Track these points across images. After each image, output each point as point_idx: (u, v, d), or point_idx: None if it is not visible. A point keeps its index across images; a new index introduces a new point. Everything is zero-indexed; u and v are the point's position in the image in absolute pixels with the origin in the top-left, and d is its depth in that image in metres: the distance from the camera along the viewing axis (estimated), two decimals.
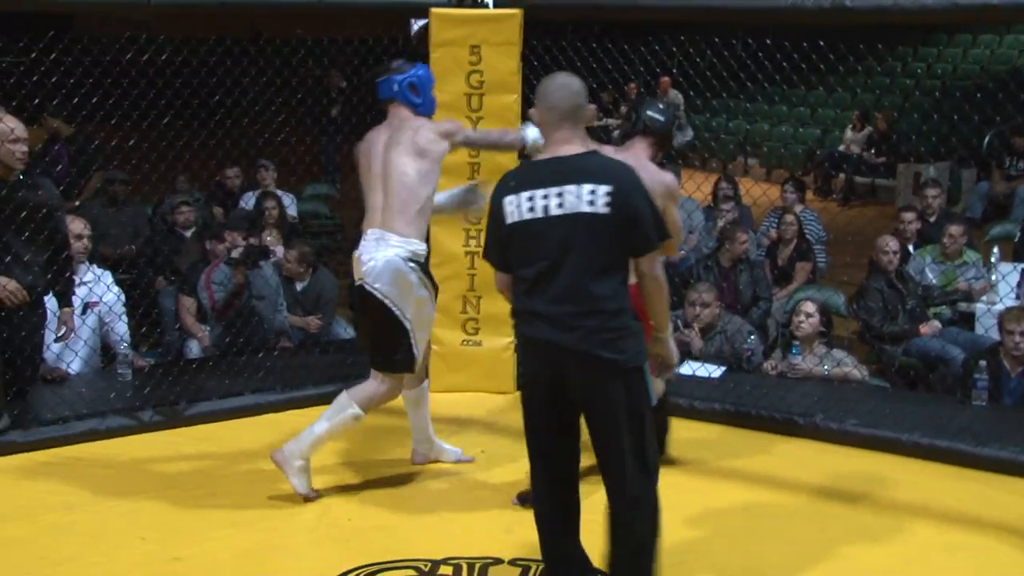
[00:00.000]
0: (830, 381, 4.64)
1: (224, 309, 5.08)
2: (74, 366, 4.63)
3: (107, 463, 3.90)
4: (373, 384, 3.56)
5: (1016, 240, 6.46)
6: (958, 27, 11.65)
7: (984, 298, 5.34)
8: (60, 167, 6.21)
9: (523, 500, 3.43)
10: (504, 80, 4.54)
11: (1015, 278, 5.39)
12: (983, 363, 4.43)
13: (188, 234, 5.95)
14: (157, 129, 5.14)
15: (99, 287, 4.75)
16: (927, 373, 5.05)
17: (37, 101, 4.93)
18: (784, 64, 4.79)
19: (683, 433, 3.93)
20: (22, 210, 4.01)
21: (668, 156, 3.70)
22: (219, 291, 5.10)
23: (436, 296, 3.62)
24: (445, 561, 3.09)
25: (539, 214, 2.55)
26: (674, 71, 7.30)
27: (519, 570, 3.04)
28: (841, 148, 10.27)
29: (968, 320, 5.37)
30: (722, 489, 3.67)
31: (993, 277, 5.39)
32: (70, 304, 4.33)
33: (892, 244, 5.32)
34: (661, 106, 3.56)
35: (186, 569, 3.10)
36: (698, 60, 5.29)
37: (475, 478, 3.77)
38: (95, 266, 4.91)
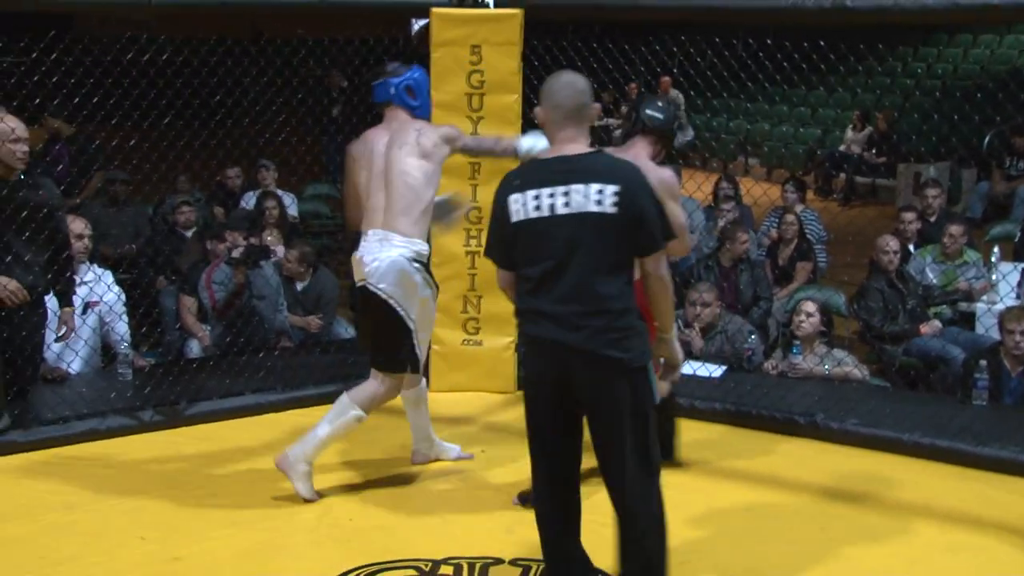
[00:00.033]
0: (831, 381, 4.64)
1: (225, 309, 5.08)
2: (75, 366, 4.63)
3: (107, 463, 3.90)
4: (373, 384, 3.56)
5: (1016, 240, 6.46)
6: (958, 27, 11.65)
7: (984, 298, 5.34)
8: (61, 167, 6.21)
9: (524, 500, 3.43)
10: (505, 80, 4.54)
11: (1015, 278, 5.39)
12: (983, 363, 4.43)
13: (189, 234, 5.95)
14: (158, 129, 5.14)
15: (100, 287, 4.75)
16: (928, 373, 5.05)
17: (38, 101, 4.93)
18: (785, 64, 4.79)
19: (684, 433, 3.92)
20: (23, 210, 4.01)
21: (668, 155, 3.68)
22: (220, 291, 5.10)
23: (437, 296, 3.62)
24: (446, 561, 3.09)
25: (545, 213, 2.54)
26: (675, 71, 7.30)
27: (520, 570, 3.04)
28: (842, 148, 10.28)
29: (968, 320, 5.37)
30: (723, 489, 3.67)
31: (993, 277, 5.40)
32: (71, 304, 4.33)
33: (892, 244, 5.32)
34: (660, 104, 3.53)
35: (186, 569, 3.10)
36: (699, 60, 5.29)
37: (476, 478, 3.77)
38: (95, 266, 4.91)
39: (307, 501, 3.49)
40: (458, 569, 3.05)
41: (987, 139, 8.96)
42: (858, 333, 5.39)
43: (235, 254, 5.18)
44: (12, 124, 4.00)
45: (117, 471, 3.84)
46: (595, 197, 2.51)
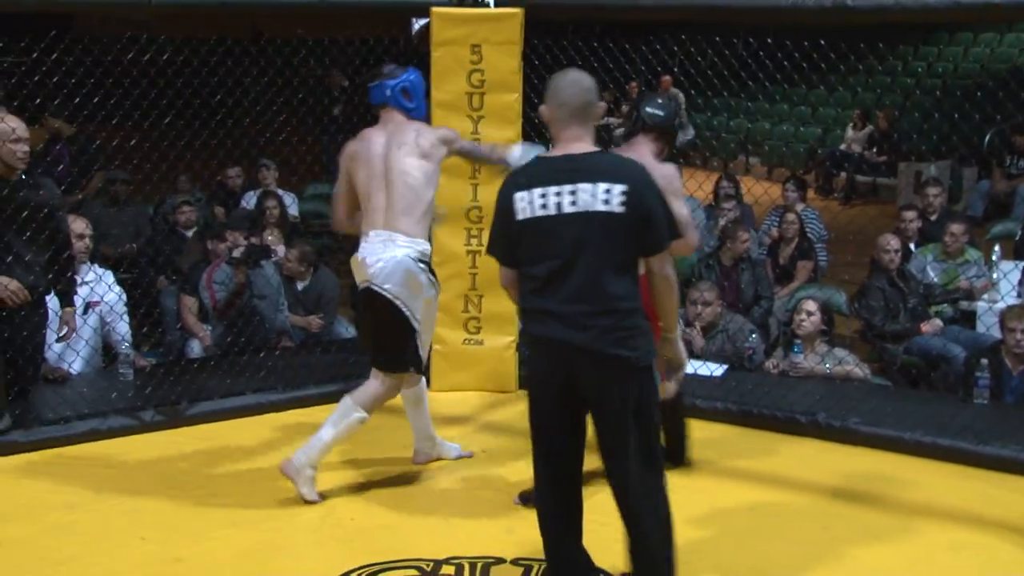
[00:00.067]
0: (832, 380, 4.64)
1: (225, 309, 5.08)
2: (75, 366, 4.63)
3: (108, 463, 3.90)
4: (375, 385, 3.56)
5: (1017, 238, 6.45)
6: (959, 26, 11.64)
7: (985, 296, 5.34)
8: (61, 167, 6.21)
9: (524, 499, 3.43)
10: (505, 79, 4.54)
11: (1016, 276, 5.39)
12: (985, 361, 4.43)
13: (190, 234, 5.95)
14: (158, 129, 5.14)
15: (100, 287, 4.75)
16: (929, 371, 5.05)
17: (38, 101, 4.93)
18: (785, 63, 4.79)
19: None
20: (23, 210, 4.01)
21: (670, 154, 3.67)
22: (220, 291, 5.10)
23: (438, 296, 3.63)
24: (447, 561, 3.09)
25: (552, 211, 2.54)
26: (675, 70, 7.29)
27: (521, 570, 3.04)
28: (842, 147, 10.27)
29: (969, 318, 5.36)
30: (725, 488, 3.67)
31: (994, 275, 5.39)
32: (72, 304, 4.33)
33: (893, 243, 5.32)
34: (660, 101, 3.52)
35: (187, 569, 3.10)
36: (699, 59, 5.29)
37: (477, 478, 3.77)
38: (96, 266, 4.91)
39: (311, 504, 3.49)
40: (459, 569, 3.05)
41: (988, 137, 8.95)
42: (859, 332, 5.39)
43: (236, 254, 5.18)
44: (13, 124, 4.00)
45: (118, 471, 3.84)
46: (603, 196, 2.50)
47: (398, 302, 3.45)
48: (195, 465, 3.90)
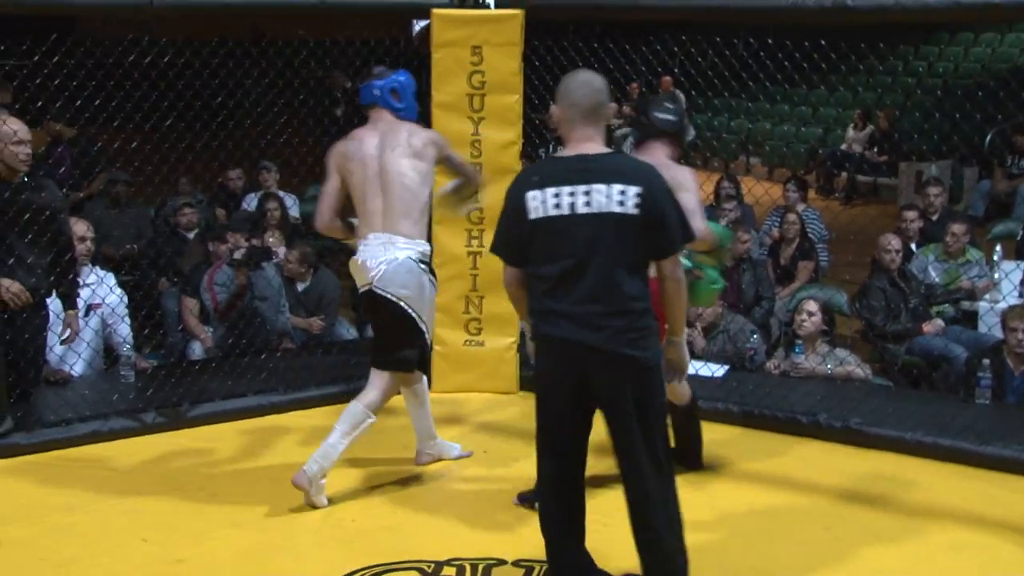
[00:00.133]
0: (833, 380, 4.64)
1: (227, 310, 5.08)
2: (77, 368, 4.64)
3: (110, 465, 3.91)
4: (380, 386, 3.56)
5: (1019, 238, 6.45)
6: (960, 26, 11.63)
7: (987, 296, 5.33)
8: (63, 169, 6.22)
9: (524, 500, 3.44)
10: (506, 80, 4.54)
11: (1018, 276, 5.39)
12: (986, 361, 4.42)
13: (191, 235, 5.96)
14: (160, 131, 5.14)
15: (102, 289, 4.76)
16: (930, 372, 5.04)
17: (40, 104, 4.93)
18: (786, 63, 4.79)
19: None
20: (25, 212, 4.02)
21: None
22: (222, 292, 5.10)
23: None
24: (449, 562, 3.09)
25: (565, 211, 2.54)
26: (675, 71, 7.29)
27: (522, 571, 3.04)
28: (843, 147, 10.27)
29: (971, 318, 5.36)
30: (727, 489, 3.67)
31: (996, 275, 5.39)
32: (75, 306, 4.34)
33: (894, 243, 5.32)
34: (668, 104, 3.55)
35: (188, 570, 3.10)
36: (699, 59, 5.29)
37: (478, 479, 3.77)
38: (98, 268, 4.91)
39: (312, 505, 3.49)
40: (461, 570, 3.05)
41: (989, 137, 8.95)
42: (860, 332, 5.38)
43: (237, 256, 5.18)
44: (15, 127, 4.01)
45: (119, 473, 3.84)
46: (617, 198, 2.51)
47: (403, 303, 3.45)
48: (196, 467, 3.90)
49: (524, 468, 3.50)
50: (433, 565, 3.07)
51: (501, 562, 3.09)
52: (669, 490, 2.61)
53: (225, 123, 5.27)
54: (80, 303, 4.51)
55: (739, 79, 8.41)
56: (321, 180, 3.69)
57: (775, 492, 3.66)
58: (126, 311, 4.91)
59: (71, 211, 5.02)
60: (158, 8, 4.23)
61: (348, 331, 5.49)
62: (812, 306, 4.79)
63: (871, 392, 4.56)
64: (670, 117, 3.48)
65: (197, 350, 5.11)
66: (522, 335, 4.24)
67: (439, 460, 3.89)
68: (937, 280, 5.52)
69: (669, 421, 2.86)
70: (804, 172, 9.65)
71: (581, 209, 2.53)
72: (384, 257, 3.43)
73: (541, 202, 2.56)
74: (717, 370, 4.70)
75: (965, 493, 3.63)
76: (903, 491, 3.65)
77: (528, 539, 3.09)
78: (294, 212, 6.64)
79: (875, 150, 9.93)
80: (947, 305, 5.42)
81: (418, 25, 4.63)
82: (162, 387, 4.41)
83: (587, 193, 2.53)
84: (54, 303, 4.31)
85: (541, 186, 2.57)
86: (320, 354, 5.01)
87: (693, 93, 10.15)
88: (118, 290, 4.91)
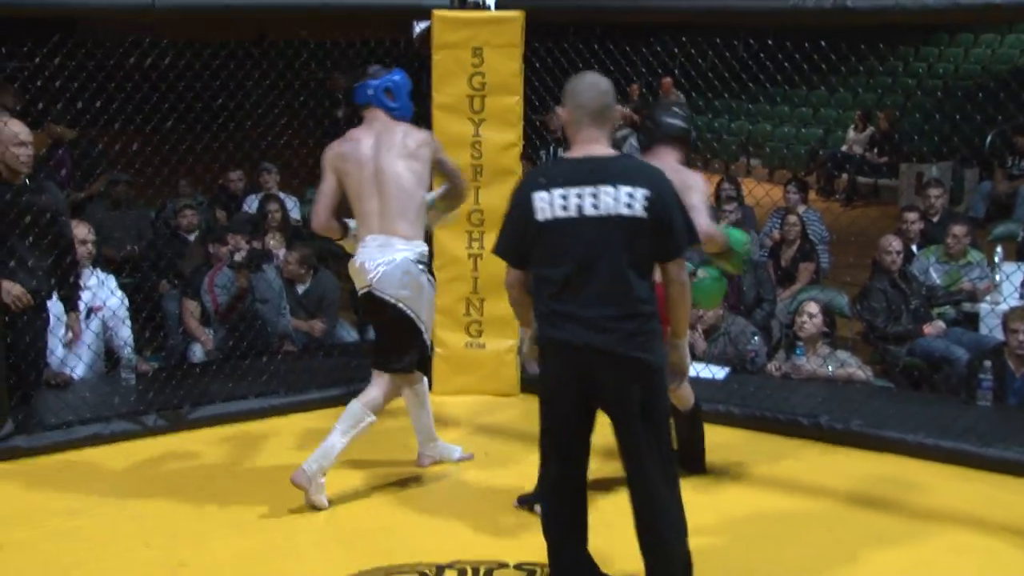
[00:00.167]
0: (834, 382, 4.63)
1: (227, 312, 5.08)
2: (78, 371, 4.64)
3: (111, 468, 3.90)
4: (381, 387, 3.57)
5: (1020, 239, 6.45)
6: (959, 27, 11.63)
7: (988, 298, 5.33)
8: (64, 172, 6.22)
9: (523, 502, 3.43)
10: (506, 82, 4.54)
11: (1019, 278, 5.38)
12: (987, 363, 4.42)
13: (191, 238, 5.96)
14: (160, 133, 5.14)
15: (103, 291, 4.75)
16: (931, 373, 5.04)
17: (41, 106, 4.93)
18: (786, 64, 4.79)
19: None
20: (27, 214, 4.02)
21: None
22: (222, 294, 5.10)
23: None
24: (450, 565, 3.09)
25: (572, 213, 2.54)
26: (676, 72, 7.28)
27: (524, 574, 3.04)
28: (843, 148, 10.26)
29: (972, 320, 5.36)
30: (729, 492, 3.67)
31: (997, 277, 5.39)
32: (76, 309, 4.34)
33: (895, 244, 5.32)
34: (676, 109, 3.59)
35: (190, 573, 3.10)
36: (700, 61, 5.28)
37: (480, 481, 3.77)
38: (99, 270, 4.91)
39: (315, 506, 3.49)
40: (462, 573, 3.05)
41: (989, 138, 8.94)
42: (861, 334, 5.38)
43: (238, 258, 5.18)
44: (16, 128, 4.01)
45: (120, 476, 3.84)
46: (625, 200, 2.51)
47: (402, 305, 3.46)
48: (197, 469, 3.90)
49: (525, 470, 3.50)
50: (434, 568, 3.07)
51: (503, 565, 3.09)
52: (674, 493, 2.61)
53: (226, 125, 5.27)
54: (81, 306, 4.51)
55: (739, 80, 8.42)
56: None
57: (777, 495, 3.66)
58: (127, 314, 4.91)
59: (72, 213, 5.01)
60: (159, 10, 4.23)
61: (349, 333, 5.49)
62: (813, 308, 4.79)
63: (872, 394, 4.55)
64: (680, 123, 3.52)
65: (198, 352, 5.11)
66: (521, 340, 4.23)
67: (440, 462, 3.89)
68: (938, 282, 5.52)
69: (672, 424, 2.85)
70: (805, 173, 9.65)
71: (589, 211, 2.53)
72: (382, 259, 3.44)
73: (548, 203, 2.56)
74: (718, 372, 4.70)
75: (967, 495, 3.63)
76: (905, 493, 3.65)
77: (530, 542, 3.08)
78: (295, 214, 6.63)
79: (876, 151, 9.93)
80: (948, 307, 5.42)
81: (419, 27, 4.63)
82: (163, 390, 4.41)
83: (595, 195, 2.53)
84: (55, 305, 4.31)
85: (548, 187, 2.57)
86: (321, 356, 5.01)
87: (693, 95, 10.15)
88: (119, 293, 4.92)
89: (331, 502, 3.53)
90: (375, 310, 3.52)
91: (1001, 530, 3.37)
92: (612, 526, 2.97)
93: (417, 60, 4.80)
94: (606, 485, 3.42)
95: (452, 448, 3.93)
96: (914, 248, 5.80)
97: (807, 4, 3.94)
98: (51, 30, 4.36)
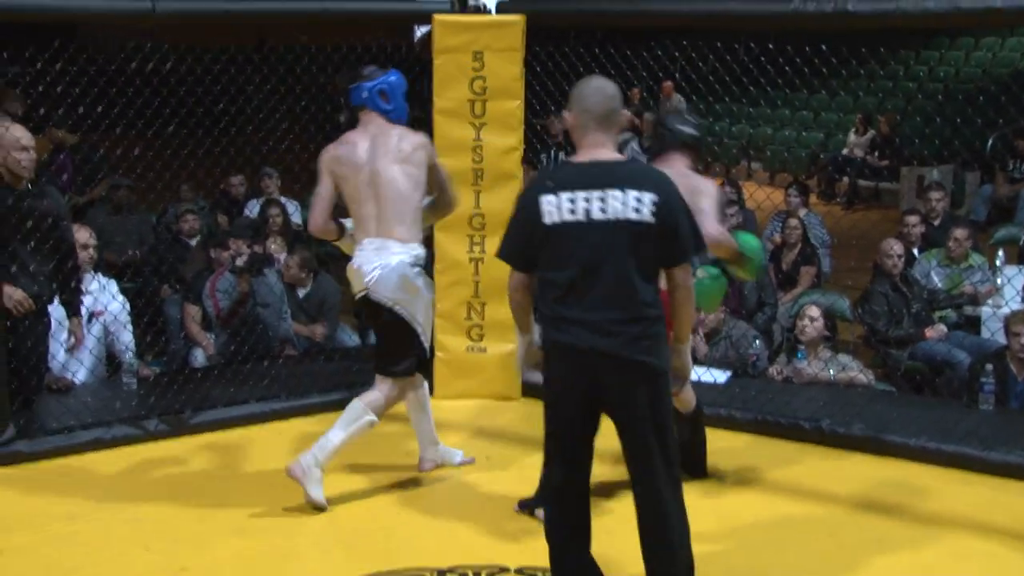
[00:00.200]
0: (836, 386, 4.63)
1: (229, 317, 5.08)
2: (79, 375, 4.64)
3: (112, 472, 3.90)
4: (384, 389, 3.58)
5: (1021, 243, 6.45)
6: (960, 30, 11.64)
7: (990, 301, 5.32)
8: (65, 176, 6.22)
9: (524, 507, 3.43)
10: (507, 86, 4.54)
11: (1020, 281, 5.37)
12: (989, 367, 4.41)
13: (193, 242, 5.96)
14: (162, 137, 5.15)
15: (104, 296, 4.76)
16: (933, 377, 5.03)
17: (42, 111, 4.93)
18: (787, 68, 4.80)
19: None
20: (28, 219, 4.02)
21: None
22: (224, 299, 5.10)
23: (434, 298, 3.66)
24: (452, 569, 3.09)
25: (580, 217, 2.54)
26: (676, 76, 7.28)
27: None
28: (844, 152, 10.27)
29: (974, 324, 5.35)
30: (730, 495, 3.66)
31: (999, 280, 5.38)
32: (79, 314, 4.34)
33: (896, 248, 5.31)
34: (689, 118, 3.63)
35: None
36: (700, 64, 5.29)
37: (481, 485, 3.76)
38: (100, 275, 4.92)
39: (316, 506, 3.49)
40: None
41: (990, 142, 8.95)
42: (863, 337, 5.37)
43: (239, 262, 5.18)
44: (18, 133, 4.02)
45: (122, 480, 3.84)
46: (633, 204, 2.52)
47: (398, 308, 3.47)
48: (198, 474, 3.90)
49: (526, 475, 3.50)
50: (435, 572, 3.07)
51: (504, 569, 3.08)
52: (678, 497, 2.62)
53: (227, 129, 5.28)
54: (83, 310, 4.51)
55: (740, 84, 8.41)
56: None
57: (779, 499, 3.65)
58: (128, 318, 4.91)
59: (73, 217, 5.02)
60: (160, 15, 4.23)
61: (350, 337, 5.49)
62: (814, 311, 4.78)
63: (874, 398, 4.54)
64: (693, 131, 3.55)
65: (199, 357, 5.11)
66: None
67: (441, 466, 3.88)
68: (940, 285, 5.51)
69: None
70: (806, 177, 9.66)
71: (597, 215, 2.53)
72: (378, 262, 3.45)
73: (556, 207, 2.56)
74: (719, 376, 4.69)
75: (969, 499, 3.62)
76: (907, 497, 3.64)
77: (531, 547, 3.08)
78: (296, 218, 6.64)
79: (876, 155, 9.93)
80: (950, 310, 5.41)
81: (420, 31, 4.64)
82: (164, 394, 4.41)
83: (603, 199, 2.53)
84: (56, 310, 4.31)
85: (556, 191, 2.57)
86: (322, 361, 5.01)
87: (694, 98, 10.15)
88: (120, 297, 4.91)
89: (332, 505, 3.52)
90: (372, 314, 3.54)
91: (1003, 534, 3.36)
92: (613, 532, 2.96)
93: (418, 64, 4.80)
94: (608, 490, 3.42)
95: (453, 452, 3.93)
96: (915, 252, 5.80)
97: (808, 8, 3.95)
98: (51, 35, 4.36)
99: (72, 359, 4.58)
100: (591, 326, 2.53)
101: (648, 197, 2.52)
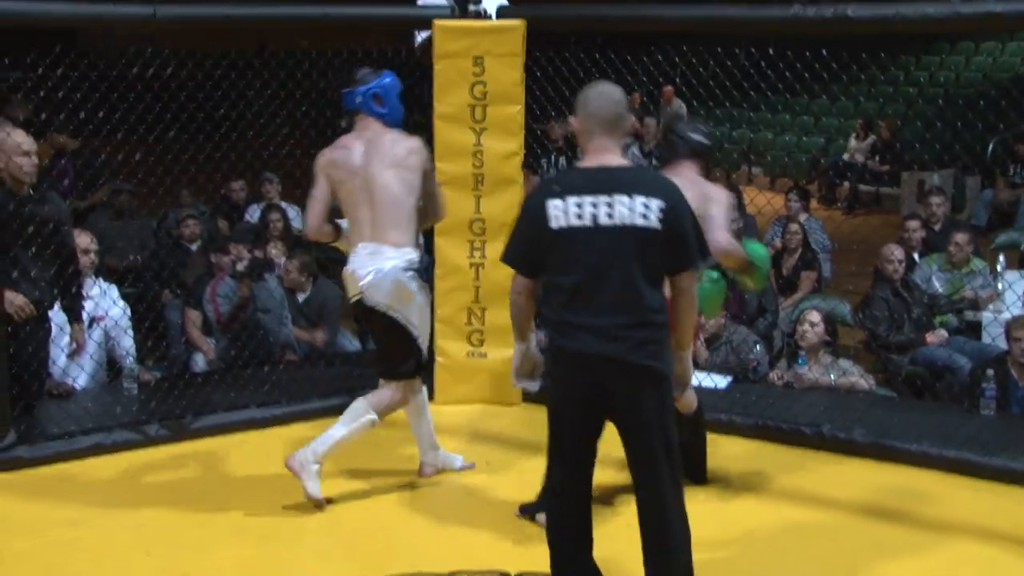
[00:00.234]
0: (836, 391, 4.62)
1: (229, 322, 5.08)
2: (80, 381, 4.63)
3: (113, 478, 3.90)
4: (388, 392, 3.61)
5: (1022, 248, 6.44)
6: (960, 35, 11.66)
7: (991, 307, 5.32)
8: (66, 182, 6.23)
9: (525, 512, 3.43)
10: (507, 91, 4.55)
11: (1021, 286, 5.36)
12: (990, 372, 4.41)
13: (193, 247, 5.96)
14: (162, 143, 5.15)
15: (105, 301, 4.76)
16: (934, 382, 5.03)
17: (44, 116, 4.94)
18: (787, 73, 4.80)
19: None
20: (29, 224, 4.02)
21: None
22: (224, 304, 5.10)
23: (431, 302, 3.66)
24: (452, 574, 3.08)
25: (587, 222, 2.55)
26: (677, 81, 7.30)
27: None
28: (845, 157, 10.28)
29: (975, 329, 5.35)
30: (730, 501, 3.66)
31: (1000, 285, 5.38)
32: (80, 319, 4.34)
33: (897, 253, 5.31)
34: (700, 126, 3.69)
35: None
36: (701, 70, 5.30)
37: (482, 490, 3.76)
38: (101, 280, 4.92)
39: (314, 502, 3.49)
40: None
41: (991, 147, 8.95)
42: (864, 343, 5.37)
43: (239, 267, 5.18)
44: (20, 139, 4.02)
45: (122, 486, 3.83)
46: (640, 210, 2.52)
47: (391, 312, 3.49)
48: (199, 479, 3.90)
49: (527, 480, 3.50)
50: None
51: (504, 574, 3.08)
52: (680, 501, 2.62)
53: (227, 135, 5.28)
54: (84, 315, 4.51)
55: (741, 89, 8.41)
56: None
57: (780, 504, 3.65)
58: (129, 323, 4.91)
59: (74, 223, 5.02)
60: (160, 21, 4.24)
61: (351, 342, 5.49)
62: (815, 316, 4.78)
63: (875, 403, 4.54)
64: (705, 140, 3.60)
65: (200, 362, 5.11)
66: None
67: (442, 471, 3.88)
68: (940, 290, 5.51)
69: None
70: (806, 182, 9.66)
71: (603, 220, 2.53)
72: (372, 267, 3.46)
73: (563, 212, 2.56)
74: (720, 381, 4.69)
75: (970, 505, 3.62)
76: (909, 503, 3.64)
77: (532, 551, 3.08)
78: (296, 223, 6.64)
79: (877, 160, 9.93)
80: (951, 315, 5.41)
81: (421, 36, 4.64)
82: (165, 399, 4.41)
83: (610, 204, 2.53)
84: (57, 316, 4.31)
85: (563, 196, 2.57)
86: (323, 365, 5.01)
87: (695, 103, 10.16)
88: (121, 302, 4.92)
89: (333, 510, 3.53)
90: (368, 318, 3.57)
91: (1005, 540, 3.35)
92: (615, 537, 2.96)
93: (418, 69, 4.81)
94: (611, 495, 3.41)
95: (454, 457, 3.93)
96: (916, 256, 5.80)
97: (808, 13, 3.95)
98: (52, 41, 4.37)
99: (73, 364, 4.58)
100: (597, 331, 2.53)
101: (655, 203, 2.52)
